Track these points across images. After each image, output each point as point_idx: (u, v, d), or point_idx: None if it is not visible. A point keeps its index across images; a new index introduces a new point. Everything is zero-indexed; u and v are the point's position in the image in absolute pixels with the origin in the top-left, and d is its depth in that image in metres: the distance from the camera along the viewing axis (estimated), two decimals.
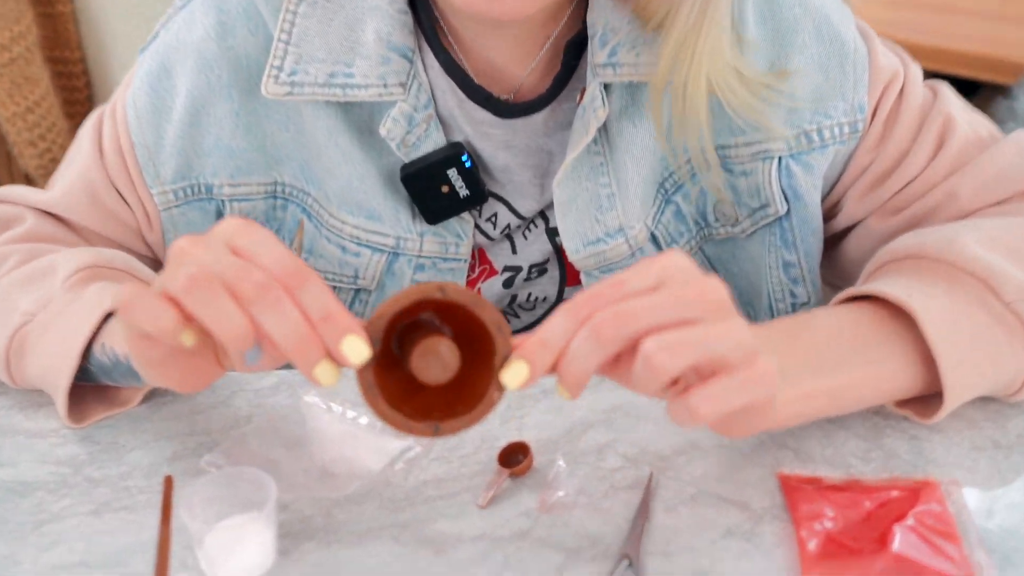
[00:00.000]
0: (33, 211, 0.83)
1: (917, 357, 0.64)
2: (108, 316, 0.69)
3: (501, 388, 0.53)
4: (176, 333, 0.51)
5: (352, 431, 0.70)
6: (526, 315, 0.88)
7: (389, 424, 0.53)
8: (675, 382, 0.54)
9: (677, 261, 0.53)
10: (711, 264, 0.84)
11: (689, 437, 0.68)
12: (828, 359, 0.63)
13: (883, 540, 0.60)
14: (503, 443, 0.67)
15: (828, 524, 0.61)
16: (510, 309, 0.87)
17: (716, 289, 0.52)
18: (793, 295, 0.83)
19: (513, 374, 0.52)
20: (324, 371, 0.51)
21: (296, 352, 0.50)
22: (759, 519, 0.62)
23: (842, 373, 0.63)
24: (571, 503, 0.64)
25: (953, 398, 0.64)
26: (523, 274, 0.84)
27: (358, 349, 0.51)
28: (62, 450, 0.70)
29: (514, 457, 0.67)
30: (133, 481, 0.67)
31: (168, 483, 0.66)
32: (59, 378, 0.69)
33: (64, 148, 1.36)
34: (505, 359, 0.52)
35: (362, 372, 0.52)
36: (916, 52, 1.10)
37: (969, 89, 1.74)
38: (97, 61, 1.43)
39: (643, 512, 0.63)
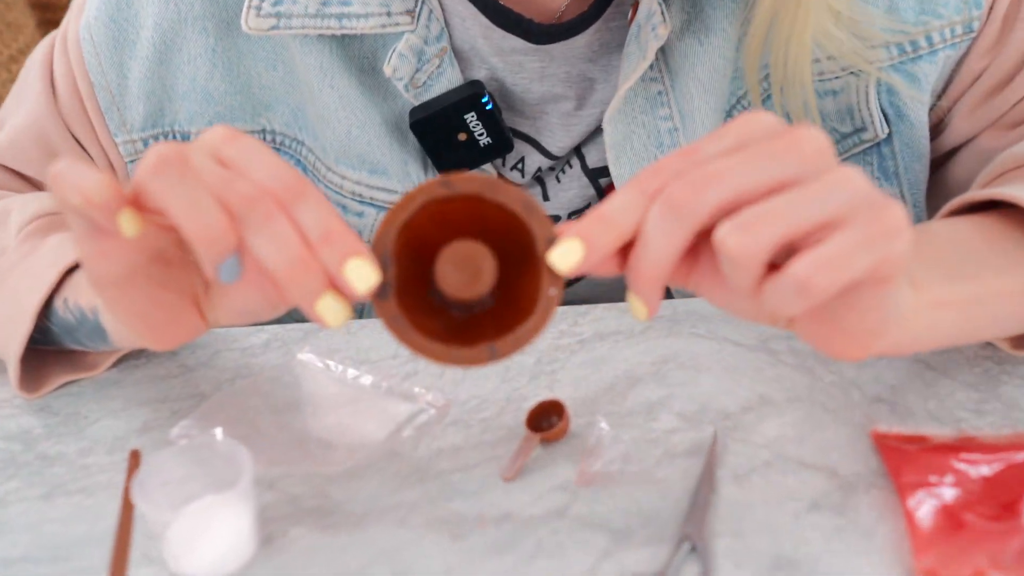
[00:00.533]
0: None
1: None
2: (72, 271, 0.59)
3: (556, 279, 0.42)
4: (110, 206, 0.41)
5: (353, 394, 0.59)
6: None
7: (429, 358, 0.42)
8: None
9: (759, 116, 0.41)
10: None
11: (759, 390, 0.56)
12: (957, 265, 0.50)
13: (1012, 511, 0.47)
14: (532, 403, 0.56)
15: (942, 493, 0.49)
16: None
17: (814, 138, 0.39)
18: None
19: (564, 254, 0.41)
20: (329, 306, 0.41)
21: (291, 280, 0.41)
22: (852, 488, 0.50)
23: (976, 281, 0.49)
24: (617, 474, 0.52)
25: None
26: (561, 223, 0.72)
27: (364, 273, 0.41)
28: (12, 423, 0.60)
29: (546, 419, 0.55)
30: (94, 458, 0.57)
31: (134, 459, 0.56)
32: (11, 342, 0.59)
33: None
34: (550, 242, 0.42)
35: (380, 303, 0.42)
36: None
37: None
38: None
39: (707, 483, 0.51)
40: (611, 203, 0.41)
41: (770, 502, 0.50)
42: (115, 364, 0.64)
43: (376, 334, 0.65)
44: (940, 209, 0.60)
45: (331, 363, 0.61)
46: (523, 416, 0.56)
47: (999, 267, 0.51)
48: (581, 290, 0.78)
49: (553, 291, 0.42)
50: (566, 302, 0.76)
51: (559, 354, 0.61)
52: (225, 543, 0.49)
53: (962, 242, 0.52)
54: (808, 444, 0.53)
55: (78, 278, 0.58)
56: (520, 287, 0.44)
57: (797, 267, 0.38)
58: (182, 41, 0.66)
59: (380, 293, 0.42)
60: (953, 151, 0.70)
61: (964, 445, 0.52)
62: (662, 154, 0.65)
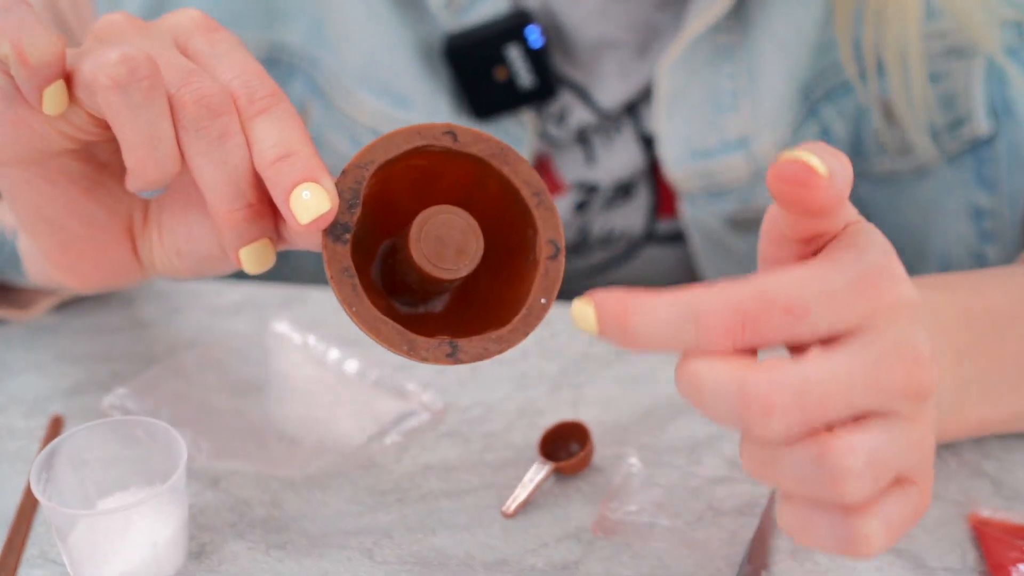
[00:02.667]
0: None
1: None
2: None
3: (551, 289, 0.35)
4: (42, 73, 0.34)
5: (332, 381, 0.48)
6: (601, 252, 0.65)
7: (376, 337, 0.34)
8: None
9: (911, 299, 0.31)
10: (861, 211, 0.60)
11: None
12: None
13: None
14: (550, 422, 0.45)
15: None
16: (581, 247, 0.64)
17: (925, 368, 0.30)
18: (980, 258, 0.59)
19: (581, 315, 0.31)
20: (253, 253, 0.36)
21: (225, 216, 0.36)
22: None
23: None
24: (645, 527, 0.41)
25: None
26: (602, 195, 0.62)
27: (314, 202, 0.33)
28: None
29: (564, 445, 0.45)
30: (6, 419, 0.46)
31: (55, 427, 0.46)
32: None
33: None
34: (554, 247, 0.35)
35: (330, 245, 0.33)
36: None
37: None
38: None
39: (758, 555, 0.40)
40: (648, 313, 0.30)
41: None
42: (57, 310, 0.53)
43: None
44: None
45: (312, 339, 0.51)
46: (536, 437, 0.45)
47: None
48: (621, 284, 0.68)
49: (543, 300, 0.35)
50: None
51: (588, 365, 0.50)
52: (143, 553, 0.38)
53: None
54: None
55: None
56: (498, 287, 0.36)
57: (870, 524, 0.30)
58: None
59: (333, 231, 0.33)
60: None
61: None
62: (720, 116, 0.56)
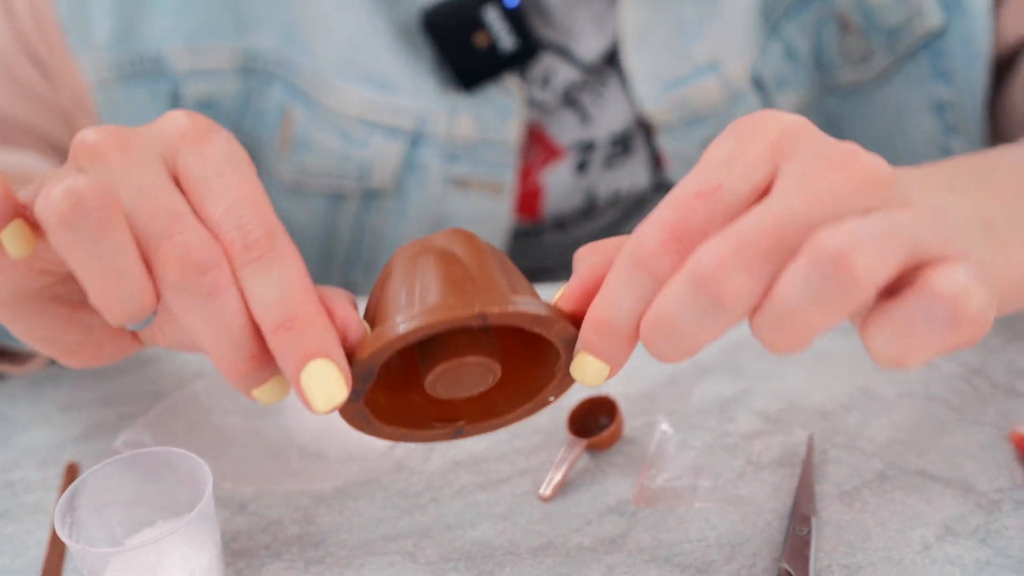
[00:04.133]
0: None
1: None
2: None
3: (562, 390, 0.35)
4: None
5: None
6: (612, 212, 0.65)
7: (385, 439, 0.36)
8: None
9: (794, 121, 0.30)
10: (833, 128, 0.61)
11: (859, 383, 0.45)
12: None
13: None
14: (576, 401, 0.44)
15: None
16: (591, 211, 0.64)
17: (862, 158, 0.29)
18: (947, 152, 0.59)
19: (586, 374, 0.32)
20: (268, 391, 0.34)
21: (229, 369, 0.33)
22: (995, 507, 0.39)
23: None
24: (687, 491, 0.40)
25: None
26: (600, 152, 0.61)
27: (327, 386, 0.32)
28: None
29: (593, 421, 0.44)
30: (20, 473, 0.45)
31: (71, 474, 0.44)
32: None
33: None
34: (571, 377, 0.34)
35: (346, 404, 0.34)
36: None
37: None
38: None
39: (805, 502, 0.39)
40: (612, 301, 0.31)
41: (890, 528, 0.38)
42: (53, 361, 0.52)
43: None
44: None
45: None
46: (563, 418, 0.44)
47: None
48: None
49: (551, 398, 0.36)
50: None
51: None
52: None
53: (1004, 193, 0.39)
54: (932, 452, 0.41)
55: None
56: (511, 361, 0.36)
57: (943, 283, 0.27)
58: None
59: (351, 396, 0.33)
60: (1011, 64, 0.58)
61: None
62: (686, 45, 0.56)
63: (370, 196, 0.62)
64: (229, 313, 0.32)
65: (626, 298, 0.30)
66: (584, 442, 0.42)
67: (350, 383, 0.32)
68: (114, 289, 0.31)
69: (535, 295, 0.33)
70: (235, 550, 0.40)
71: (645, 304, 0.30)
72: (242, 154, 0.34)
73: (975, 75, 0.57)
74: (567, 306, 0.32)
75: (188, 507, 0.39)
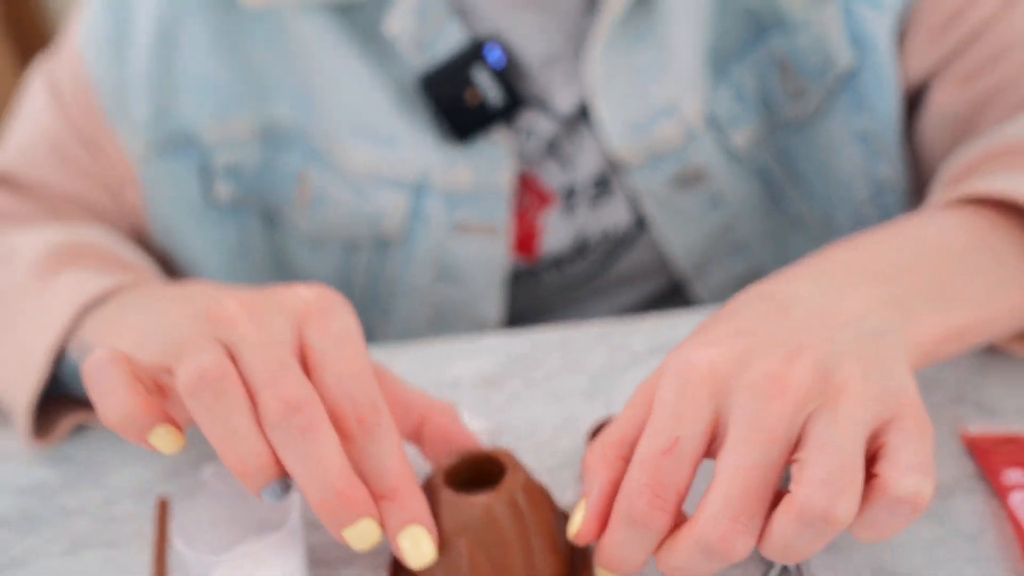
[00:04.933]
0: None
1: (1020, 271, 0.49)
2: (89, 308, 0.55)
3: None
4: (141, 430, 0.40)
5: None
6: (603, 248, 0.72)
7: None
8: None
9: (722, 358, 0.39)
10: (782, 155, 0.69)
11: None
12: (951, 289, 0.46)
13: None
14: (590, 422, 0.52)
15: None
16: (584, 250, 0.71)
17: (799, 379, 0.38)
18: (877, 180, 0.67)
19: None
20: (359, 536, 0.40)
21: (319, 505, 0.39)
22: (949, 494, 0.47)
23: (972, 309, 0.46)
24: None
25: None
26: (584, 195, 0.69)
27: (420, 549, 0.40)
28: (25, 476, 0.55)
29: None
30: (119, 508, 0.52)
31: (163, 508, 0.51)
32: (20, 391, 0.54)
33: None
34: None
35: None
36: None
37: None
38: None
39: None
40: (618, 554, 0.39)
41: None
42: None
43: (421, 360, 0.61)
44: (924, 183, 0.64)
45: None
46: (581, 438, 0.52)
47: (995, 283, 0.47)
48: (627, 302, 0.75)
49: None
50: (613, 314, 0.73)
51: (611, 372, 0.57)
52: None
53: (956, 255, 0.47)
54: None
55: (96, 318, 0.54)
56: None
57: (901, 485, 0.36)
58: (181, 27, 0.65)
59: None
60: (918, 102, 0.67)
61: None
62: (646, 90, 0.64)
63: (381, 245, 0.69)
64: (320, 450, 0.38)
65: (631, 550, 0.38)
66: None
67: (438, 543, 0.40)
68: (233, 448, 0.38)
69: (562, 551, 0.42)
70: (314, 561, 0.47)
71: (647, 552, 0.38)
72: (357, 330, 0.42)
73: (889, 107, 0.65)
74: (590, 530, 0.40)
75: (275, 527, 0.46)
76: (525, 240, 0.70)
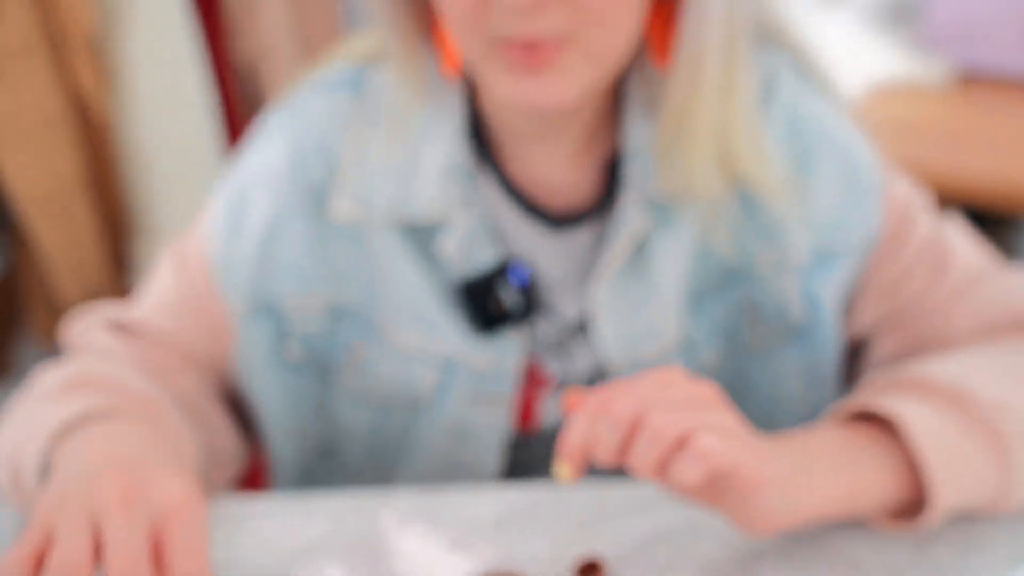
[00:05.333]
0: (103, 329, 0.87)
1: (898, 469, 0.69)
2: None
3: None
4: None
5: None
6: None
7: None
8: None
9: (677, 381, 0.65)
10: (739, 374, 0.87)
11: (755, 548, 0.70)
12: (821, 473, 0.67)
13: None
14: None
15: None
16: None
17: (707, 390, 0.65)
18: (814, 403, 0.86)
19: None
20: None
21: None
22: None
23: (833, 482, 0.67)
24: None
25: (941, 503, 0.67)
26: (577, 383, 0.86)
27: None
28: None
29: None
30: None
31: None
32: (28, 481, 0.73)
33: (102, 281, 1.42)
34: None
35: None
36: (935, 184, 1.17)
37: (990, 220, 1.87)
38: (135, 196, 1.49)
39: None
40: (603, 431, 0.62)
41: None
42: None
43: (434, 503, 0.76)
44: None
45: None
46: (569, 572, 0.67)
47: (846, 469, 0.68)
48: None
49: None
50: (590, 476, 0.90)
51: (598, 516, 0.73)
52: None
53: (830, 450, 0.69)
54: None
55: (68, 440, 0.71)
56: None
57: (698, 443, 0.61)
58: (283, 227, 0.83)
59: None
60: (859, 348, 0.87)
61: None
62: (638, 319, 0.83)
63: (411, 407, 0.87)
64: None
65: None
66: None
67: None
68: None
69: None
70: None
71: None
72: (204, 534, 0.61)
73: (830, 352, 0.85)
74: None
75: None
76: (526, 416, 0.88)
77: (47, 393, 0.78)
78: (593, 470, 0.89)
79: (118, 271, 1.55)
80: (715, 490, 0.64)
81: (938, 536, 0.70)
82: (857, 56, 2.05)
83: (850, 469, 0.68)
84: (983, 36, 2.04)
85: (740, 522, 0.65)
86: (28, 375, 0.83)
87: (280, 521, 0.75)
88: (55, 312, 1.50)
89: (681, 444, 0.61)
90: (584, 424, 0.62)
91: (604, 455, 0.61)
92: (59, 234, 1.38)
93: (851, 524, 0.70)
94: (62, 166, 1.38)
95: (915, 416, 0.69)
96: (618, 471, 0.86)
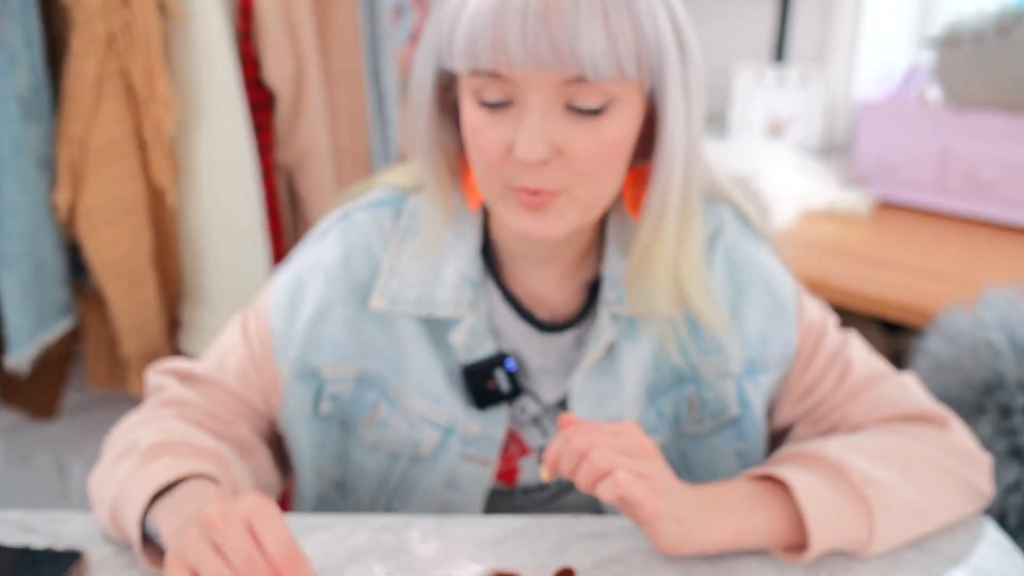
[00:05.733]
0: (177, 378, 1.05)
1: (788, 518, 0.91)
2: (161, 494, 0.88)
3: None
4: None
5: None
6: (556, 486, 1.12)
7: None
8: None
9: (623, 428, 0.88)
10: (682, 453, 1.04)
11: (685, 568, 0.95)
12: (716, 513, 0.90)
13: None
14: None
15: None
16: (542, 490, 1.08)
17: (640, 437, 0.88)
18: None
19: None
20: None
21: None
22: None
23: (729, 522, 0.90)
24: None
25: (816, 546, 0.89)
26: None
27: None
28: None
29: None
30: None
31: None
32: (131, 533, 0.88)
33: (158, 339, 1.64)
34: None
35: None
36: (855, 297, 1.49)
37: (893, 327, 2.09)
38: (190, 269, 1.71)
39: None
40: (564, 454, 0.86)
41: None
42: None
43: (442, 524, 1.02)
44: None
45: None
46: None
47: (741, 513, 0.90)
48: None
49: None
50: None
51: (569, 539, 0.99)
52: None
53: (732, 499, 0.91)
54: None
55: (161, 503, 0.86)
56: None
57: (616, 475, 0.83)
58: (331, 311, 0.99)
59: None
60: (783, 434, 1.06)
61: None
62: (604, 407, 1.00)
63: (415, 459, 1.02)
64: None
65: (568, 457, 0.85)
66: None
67: None
68: None
69: None
70: None
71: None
72: (280, 516, 0.77)
73: (759, 440, 1.03)
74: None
75: None
76: (508, 474, 1.05)
77: (140, 455, 0.91)
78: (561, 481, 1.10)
79: (171, 331, 1.71)
80: (634, 517, 0.86)
81: (822, 562, 0.94)
82: (796, 188, 2.22)
83: (744, 514, 0.91)
84: (899, 174, 2.30)
85: (654, 543, 0.88)
86: (80, 416, 1.02)
87: (333, 533, 0.98)
88: (113, 363, 1.67)
89: (607, 474, 0.83)
90: (559, 445, 0.85)
91: (564, 470, 0.85)
92: (128, 297, 1.56)
93: (762, 554, 0.95)
94: (136, 242, 1.56)
95: (801, 481, 0.90)
96: (591, 504, 1.10)
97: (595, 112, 0.86)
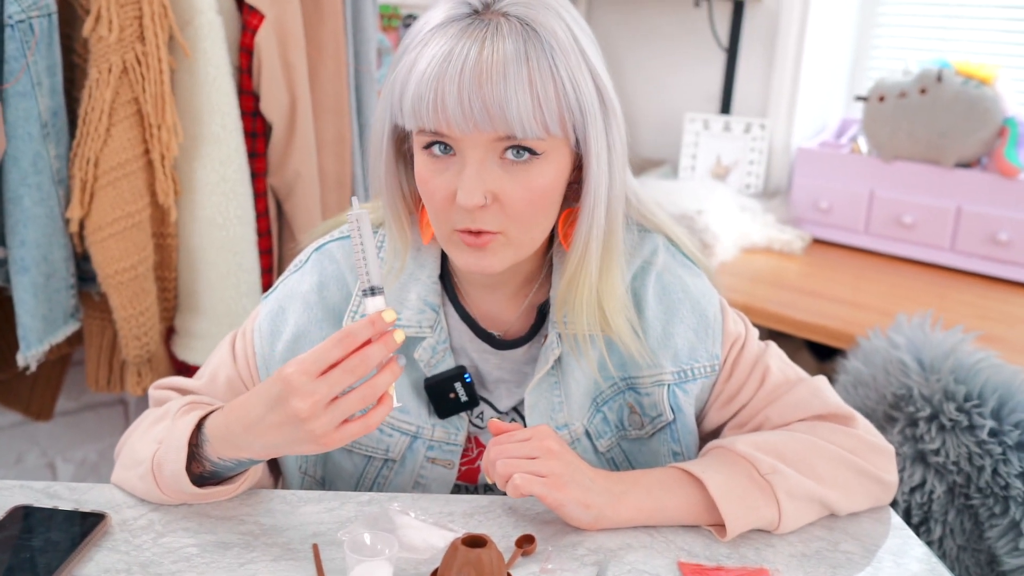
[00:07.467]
0: (177, 392, 1.20)
1: (703, 501, 1.07)
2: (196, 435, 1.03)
3: None
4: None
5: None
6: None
7: None
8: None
9: (542, 432, 1.03)
10: (626, 455, 1.17)
11: (626, 539, 1.12)
12: (635, 493, 1.06)
13: None
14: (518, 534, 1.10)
15: None
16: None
17: (552, 440, 1.03)
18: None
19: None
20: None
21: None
22: None
23: (643, 503, 1.06)
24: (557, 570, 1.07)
25: (730, 529, 1.05)
26: None
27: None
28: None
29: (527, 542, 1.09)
30: (294, 545, 1.08)
31: (315, 551, 1.08)
32: (176, 464, 1.01)
33: (155, 345, 1.77)
34: None
35: None
36: (788, 323, 1.67)
37: (826, 350, 2.26)
38: (186, 282, 1.82)
39: None
40: (498, 460, 1.02)
41: None
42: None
43: (419, 501, 1.18)
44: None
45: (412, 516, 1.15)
46: (512, 542, 1.10)
47: (656, 496, 1.06)
48: None
49: None
50: None
51: (534, 516, 1.16)
52: None
53: (649, 484, 1.07)
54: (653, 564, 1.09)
55: (208, 423, 1.02)
56: None
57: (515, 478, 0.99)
58: (308, 334, 1.11)
59: None
60: (712, 435, 1.21)
61: (717, 570, 1.08)
62: (554, 415, 1.12)
63: (388, 461, 1.15)
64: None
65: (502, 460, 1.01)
66: (521, 550, 1.09)
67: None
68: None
69: None
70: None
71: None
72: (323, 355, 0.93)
73: (690, 442, 1.17)
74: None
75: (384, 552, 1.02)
76: (470, 474, 1.19)
77: (177, 411, 1.06)
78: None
79: (167, 337, 1.83)
80: (547, 507, 1.02)
81: (745, 537, 1.12)
82: (738, 226, 2.40)
83: (660, 496, 1.07)
84: (830, 216, 2.49)
85: (571, 524, 1.04)
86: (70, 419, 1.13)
87: (323, 505, 1.14)
88: (111, 366, 1.79)
89: (509, 478, 0.98)
90: (487, 451, 1.00)
91: (487, 476, 1.00)
92: (130, 306, 1.68)
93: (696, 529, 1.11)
94: (138, 255, 1.68)
95: (715, 479, 1.06)
96: None
97: (526, 163, 0.96)
